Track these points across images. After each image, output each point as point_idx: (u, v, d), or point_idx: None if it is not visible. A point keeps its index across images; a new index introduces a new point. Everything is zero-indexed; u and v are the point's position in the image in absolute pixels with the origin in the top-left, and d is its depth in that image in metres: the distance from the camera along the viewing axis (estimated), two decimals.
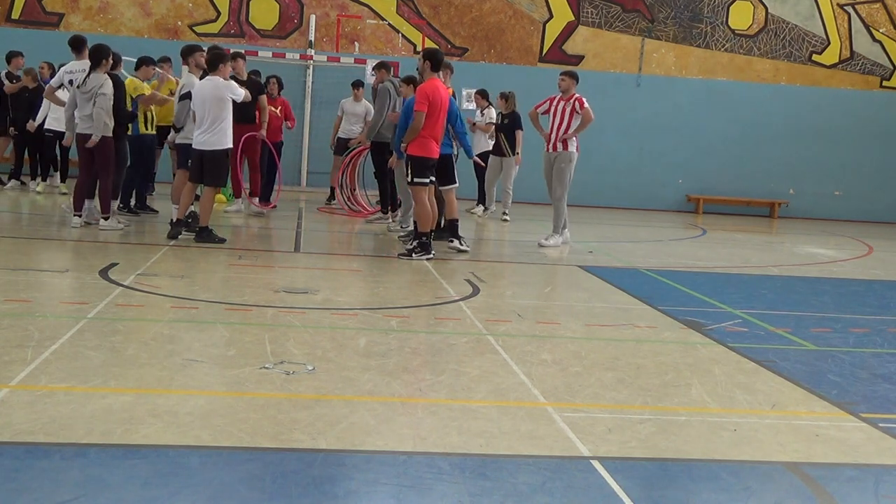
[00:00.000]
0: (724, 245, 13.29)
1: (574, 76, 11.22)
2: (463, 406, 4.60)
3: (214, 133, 9.57)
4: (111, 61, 10.16)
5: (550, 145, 11.06)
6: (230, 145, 9.80)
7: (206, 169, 9.64)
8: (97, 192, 10.18)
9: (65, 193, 13.39)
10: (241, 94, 9.76)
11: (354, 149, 13.46)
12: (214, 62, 9.71)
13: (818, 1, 18.65)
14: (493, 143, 14.38)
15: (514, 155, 13.94)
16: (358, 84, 15.03)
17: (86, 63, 10.54)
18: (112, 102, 9.98)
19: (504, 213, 14.13)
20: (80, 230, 9.93)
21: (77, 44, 10.75)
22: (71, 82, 10.58)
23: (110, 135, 10.03)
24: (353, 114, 14.87)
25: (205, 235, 9.58)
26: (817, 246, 13.73)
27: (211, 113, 9.52)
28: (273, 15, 17.61)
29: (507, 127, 14.02)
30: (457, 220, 10.24)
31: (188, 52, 10.57)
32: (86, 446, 3.73)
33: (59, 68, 11.29)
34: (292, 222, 12.25)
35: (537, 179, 12.22)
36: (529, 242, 11.36)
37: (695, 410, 4.82)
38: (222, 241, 9.59)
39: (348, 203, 13.62)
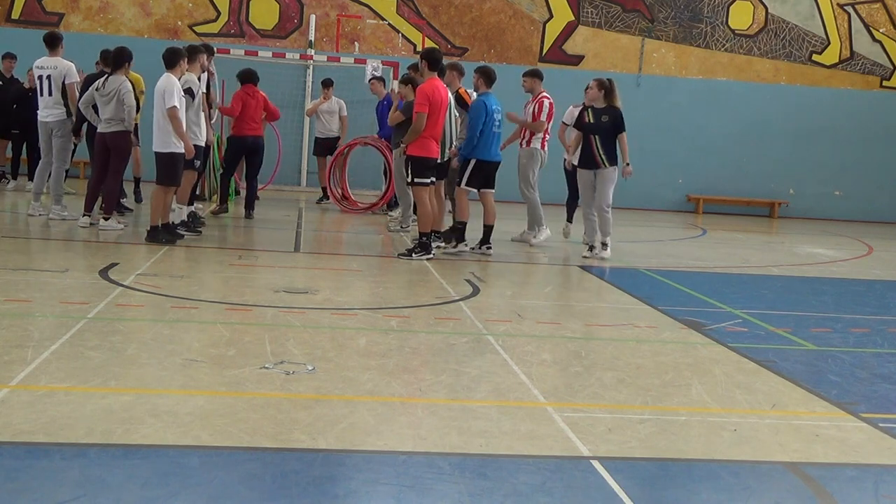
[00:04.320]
0: (724, 245, 13.28)
1: (534, 74, 11.24)
2: (463, 406, 4.60)
3: (160, 132, 9.21)
4: (132, 65, 10.21)
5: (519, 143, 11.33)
6: (178, 150, 9.23)
7: (158, 169, 9.33)
8: (102, 190, 10.17)
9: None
10: (173, 102, 9.02)
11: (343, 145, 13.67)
12: (170, 59, 9.30)
13: (818, 1, 18.63)
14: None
15: (611, 166, 10.21)
16: (328, 83, 14.96)
17: (57, 60, 10.60)
18: (135, 101, 10.02)
19: (602, 244, 10.40)
20: (79, 230, 9.92)
21: (52, 40, 10.79)
22: (40, 77, 10.62)
23: (132, 131, 10.06)
24: (329, 112, 14.83)
25: (155, 235, 9.25)
26: (817, 246, 13.71)
27: (158, 111, 9.21)
28: (273, 15, 17.60)
29: (606, 128, 10.19)
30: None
31: (190, 52, 10.53)
32: (86, 446, 3.73)
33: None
34: (292, 222, 12.25)
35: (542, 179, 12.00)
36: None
37: (695, 410, 4.82)
38: (178, 237, 9.40)
39: (341, 202, 13.78)
